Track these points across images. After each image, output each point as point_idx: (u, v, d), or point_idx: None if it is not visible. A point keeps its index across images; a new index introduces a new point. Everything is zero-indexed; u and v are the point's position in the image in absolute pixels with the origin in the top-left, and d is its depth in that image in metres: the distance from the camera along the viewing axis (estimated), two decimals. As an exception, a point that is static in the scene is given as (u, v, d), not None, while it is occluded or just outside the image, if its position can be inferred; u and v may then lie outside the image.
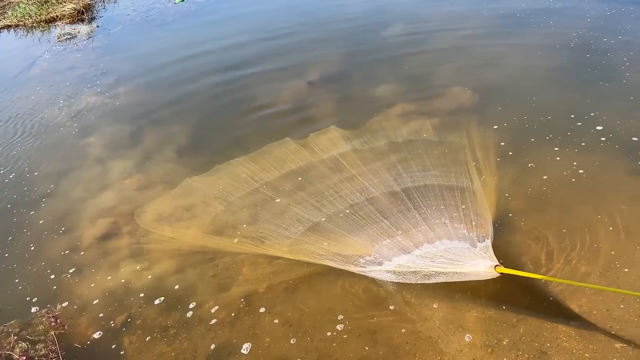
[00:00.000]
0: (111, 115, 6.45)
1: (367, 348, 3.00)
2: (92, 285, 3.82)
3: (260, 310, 3.37)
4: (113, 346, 3.33)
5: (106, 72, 7.84)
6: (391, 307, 3.23)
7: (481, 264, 3.13)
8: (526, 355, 2.81)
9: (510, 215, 3.78)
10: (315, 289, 3.46)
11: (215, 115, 6.07)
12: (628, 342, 2.79)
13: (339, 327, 3.15)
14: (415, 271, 3.30)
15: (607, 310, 2.99)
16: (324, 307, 3.31)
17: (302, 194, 4.29)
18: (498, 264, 3.08)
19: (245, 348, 3.14)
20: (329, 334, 3.12)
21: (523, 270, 3.18)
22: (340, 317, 3.21)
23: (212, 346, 3.19)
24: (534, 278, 3.17)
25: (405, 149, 4.68)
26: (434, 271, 3.23)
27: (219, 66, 7.39)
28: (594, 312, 2.99)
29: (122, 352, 3.28)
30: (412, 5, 8.95)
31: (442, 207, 3.85)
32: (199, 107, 6.33)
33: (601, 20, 6.92)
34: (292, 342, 3.12)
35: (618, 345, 2.78)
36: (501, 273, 3.02)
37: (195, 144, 5.49)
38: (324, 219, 3.95)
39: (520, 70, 5.94)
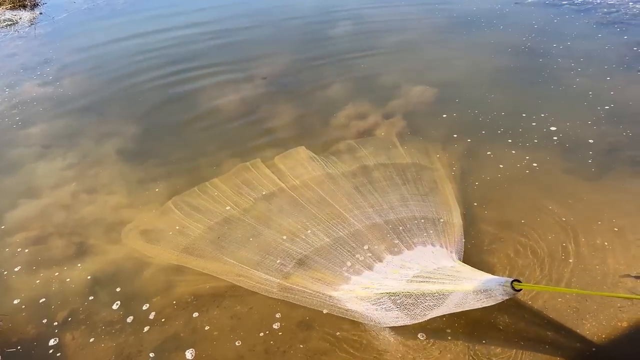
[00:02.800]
0: (52, 108, 6.08)
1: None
2: (33, 283, 3.57)
3: (205, 308, 3.24)
4: (54, 342, 3.11)
5: (49, 61, 7.42)
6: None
7: (493, 281, 2.72)
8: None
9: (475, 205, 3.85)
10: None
11: (161, 115, 5.71)
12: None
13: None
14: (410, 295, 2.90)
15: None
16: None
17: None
18: (516, 279, 2.68)
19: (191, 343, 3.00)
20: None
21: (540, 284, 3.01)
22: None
23: (159, 341, 3.03)
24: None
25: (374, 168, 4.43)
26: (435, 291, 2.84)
27: (167, 60, 7.14)
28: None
29: (64, 348, 3.06)
30: (364, 4, 9.04)
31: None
32: (145, 102, 6.02)
33: (547, 27, 7.22)
34: (237, 343, 3.02)
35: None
36: (519, 290, 2.64)
37: (141, 148, 5.10)
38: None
39: (473, 71, 6.10)
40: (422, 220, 3.65)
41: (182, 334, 3.07)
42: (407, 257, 3.31)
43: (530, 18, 7.61)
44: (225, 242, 3.65)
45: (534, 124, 4.82)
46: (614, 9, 7.63)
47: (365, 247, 3.46)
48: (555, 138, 4.58)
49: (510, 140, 4.60)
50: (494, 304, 2.74)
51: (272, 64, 6.69)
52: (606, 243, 3.40)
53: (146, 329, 3.14)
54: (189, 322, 3.14)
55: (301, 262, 3.39)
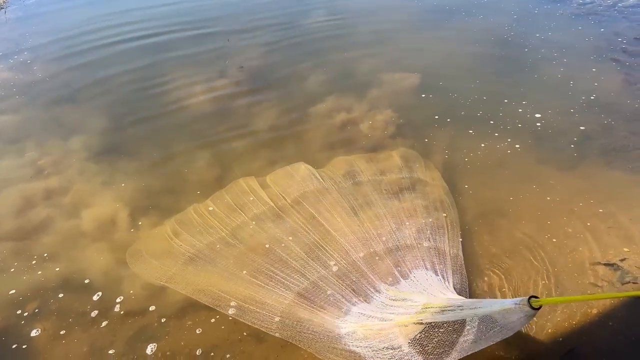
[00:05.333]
0: (23, 96, 5.90)
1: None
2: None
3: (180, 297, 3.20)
4: (24, 333, 3.04)
5: (21, 47, 7.18)
6: None
7: (506, 303, 2.39)
8: None
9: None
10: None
11: (132, 107, 5.50)
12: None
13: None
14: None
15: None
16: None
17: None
18: (533, 295, 2.32)
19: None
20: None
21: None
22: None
23: (131, 332, 2.98)
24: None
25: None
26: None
27: (145, 48, 6.98)
28: None
29: (34, 339, 3.00)
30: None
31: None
32: (119, 92, 5.83)
33: (527, 17, 7.27)
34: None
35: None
36: (539, 307, 2.28)
37: (115, 145, 4.85)
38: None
39: (455, 60, 6.12)
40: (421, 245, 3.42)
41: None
42: (406, 287, 3.09)
43: (509, 8, 7.65)
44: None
45: (520, 110, 4.92)
46: (588, 1, 7.73)
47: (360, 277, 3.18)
48: (538, 124, 4.67)
49: (492, 122, 4.72)
50: (511, 333, 2.40)
51: (248, 54, 6.59)
52: (578, 231, 3.46)
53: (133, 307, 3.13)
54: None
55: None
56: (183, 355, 2.85)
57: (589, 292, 3.03)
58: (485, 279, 3.17)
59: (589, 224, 3.52)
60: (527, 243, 3.40)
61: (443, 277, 3.12)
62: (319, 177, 4.08)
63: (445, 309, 2.64)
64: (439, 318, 2.61)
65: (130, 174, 4.38)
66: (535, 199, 3.79)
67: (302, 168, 4.21)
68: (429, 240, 3.42)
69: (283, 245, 3.44)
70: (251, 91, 5.66)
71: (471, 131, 4.63)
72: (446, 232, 3.50)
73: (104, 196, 4.14)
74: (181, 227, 3.70)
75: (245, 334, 2.92)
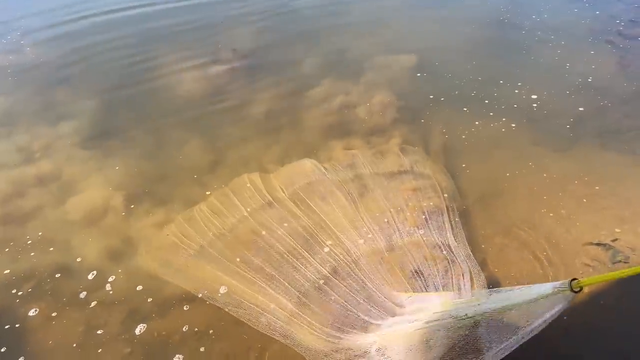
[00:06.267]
0: (14, 77, 5.82)
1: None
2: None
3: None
4: (20, 313, 3.05)
5: (12, 28, 7.07)
6: None
7: (545, 287, 2.21)
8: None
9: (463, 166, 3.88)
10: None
11: (125, 91, 5.40)
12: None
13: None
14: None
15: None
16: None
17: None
18: (574, 278, 2.16)
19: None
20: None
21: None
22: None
23: (126, 312, 3.00)
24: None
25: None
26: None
27: (137, 31, 6.89)
28: None
29: (30, 319, 3.02)
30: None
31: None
32: (111, 76, 5.72)
33: (523, 0, 7.20)
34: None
35: None
36: (580, 289, 2.11)
37: (106, 129, 4.78)
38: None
39: (453, 42, 6.06)
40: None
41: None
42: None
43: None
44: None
45: (517, 91, 4.93)
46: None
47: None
48: (534, 105, 4.68)
49: (486, 102, 4.72)
50: (550, 319, 2.22)
51: (241, 35, 6.50)
52: (572, 211, 3.48)
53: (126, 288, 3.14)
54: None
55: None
56: (172, 335, 2.88)
57: (580, 272, 3.06)
58: (482, 256, 3.20)
59: (582, 204, 3.54)
60: (522, 224, 3.42)
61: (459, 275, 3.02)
62: (325, 171, 3.95)
63: (477, 304, 2.44)
64: (479, 311, 2.37)
65: (122, 158, 4.34)
66: (531, 179, 3.80)
67: (308, 164, 4.05)
68: (436, 235, 3.36)
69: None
70: (245, 74, 5.60)
71: (466, 109, 4.66)
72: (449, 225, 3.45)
73: (96, 181, 4.11)
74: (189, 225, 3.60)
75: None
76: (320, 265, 3.15)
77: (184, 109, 5.01)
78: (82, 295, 3.13)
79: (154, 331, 2.90)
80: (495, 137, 4.30)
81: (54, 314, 3.03)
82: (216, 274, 3.17)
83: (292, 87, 5.27)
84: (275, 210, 3.62)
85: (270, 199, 3.72)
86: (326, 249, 3.27)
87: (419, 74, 5.34)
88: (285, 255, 3.24)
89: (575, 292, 2.11)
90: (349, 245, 3.30)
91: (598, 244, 3.21)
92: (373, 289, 2.98)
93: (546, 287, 2.19)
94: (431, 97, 4.88)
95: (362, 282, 3.03)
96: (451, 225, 3.42)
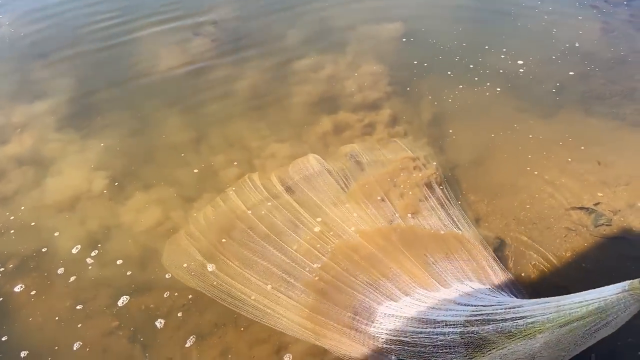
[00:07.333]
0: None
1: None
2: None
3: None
4: (4, 290, 3.05)
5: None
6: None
7: (608, 291, 1.93)
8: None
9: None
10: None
11: (108, 71, 5.20)
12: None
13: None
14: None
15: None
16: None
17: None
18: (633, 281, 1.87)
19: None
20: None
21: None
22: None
23: (109, 286, 3.02)
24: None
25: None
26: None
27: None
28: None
29: (15, 295, 3.01)
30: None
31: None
32: (89, 53, 5.50)
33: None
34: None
35: None
36: None
37: (88, 109, 4.63)
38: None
39: (436, 8, 5.97)
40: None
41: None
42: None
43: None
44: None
45: (502, 56, 4.90)
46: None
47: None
48: (520, 71, 4.67)
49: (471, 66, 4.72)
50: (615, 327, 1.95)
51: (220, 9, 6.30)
52: (555, 177, 3.52)
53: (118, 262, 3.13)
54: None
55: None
56: (153, 303, 2.91)
57: (564, 236, 3.10)
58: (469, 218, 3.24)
59: (566, 169, 3.57)
60: (506, 189, 3.45)
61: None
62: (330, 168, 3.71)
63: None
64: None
65: (103, 138, 4.24)
66: (515, 143, 3.83)
67: (312, 160, 3.78)
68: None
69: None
70: (227, 49, 5.42)
71: (451, 74, 4.67)
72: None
73: (77, 159, 4.03)
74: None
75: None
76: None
77: (165, 86, 4.88)
78: (65, 271, 3.13)
79: (136, 302, 2.93)
80: (480, 102, 4.30)
81: (35, 291, 3.03)
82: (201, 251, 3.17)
83: (276, 60, 5.14)
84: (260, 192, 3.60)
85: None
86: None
87: (404, 40, 5.28)
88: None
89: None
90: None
91: (581, 208, 3.26)
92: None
93: (608, 291, 1.90)
94: (415, 63, 4.87)
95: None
96: (445, 196, 3.43)
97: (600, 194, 3.36)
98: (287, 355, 2.63)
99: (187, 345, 2.70)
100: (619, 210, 3.23)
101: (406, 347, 2.47)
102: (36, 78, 5.13)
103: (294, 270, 2.97)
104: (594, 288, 2.39)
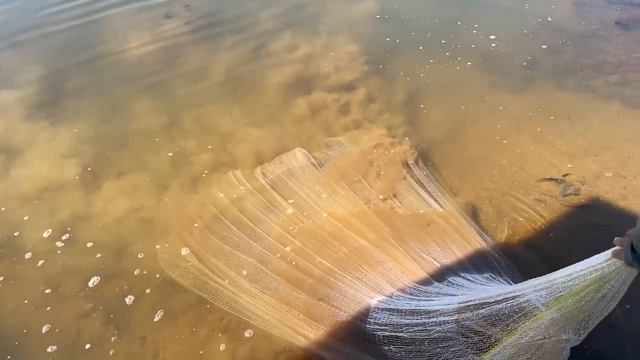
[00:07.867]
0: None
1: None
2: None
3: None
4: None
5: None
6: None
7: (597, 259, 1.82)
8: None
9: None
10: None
11: (78, 55, 5.09)
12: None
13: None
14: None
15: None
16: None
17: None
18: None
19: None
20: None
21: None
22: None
23: (79, 267, 3.03)
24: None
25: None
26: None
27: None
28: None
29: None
30: None
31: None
32: (58, 37, 5.41)
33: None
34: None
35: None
36: None
37: (57, 95, 4.54)
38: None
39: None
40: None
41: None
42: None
43: None
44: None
45: (474, 32, 4.91)
46: None
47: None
48: (493, 45, 4.70)
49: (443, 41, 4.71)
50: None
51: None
52: (526, 149, 3.56)
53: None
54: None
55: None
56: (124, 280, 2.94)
57: (533, 206, 3.16)
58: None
59: (535, 141, 3.62)
60: (476, 163, 3.49)
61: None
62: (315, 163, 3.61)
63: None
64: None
65: (74, 124, 4.18)
66: (486, 117, 3.87)
67: (299, 154, 3.66)
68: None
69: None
70: (198, 30, 5.36)
71: (422, 48, 4.70)
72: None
73: (48, 147, 3.98)
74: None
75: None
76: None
77: (137, 69, 4.81)
78: (36, 256, 3.12)
79: (106, 281, 2.95)
80: (452, 77, 4.34)
81: (5, 277, 3.03)
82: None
83: (250, 42, 5.09)
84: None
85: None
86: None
87: (378, 17, 5.28)
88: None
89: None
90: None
91: (550, 179, 3.31)
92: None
93: (598, 259, 1.81)
94: (388, 40, 4.86)
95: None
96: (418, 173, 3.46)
97: (569, 165, 3.41)
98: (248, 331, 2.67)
99: (155, 320, 2.73)
100: (587, 180, 3.29)
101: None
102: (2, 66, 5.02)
103: (265, 256, 2.98)
104: (561, 257, 2.44)
